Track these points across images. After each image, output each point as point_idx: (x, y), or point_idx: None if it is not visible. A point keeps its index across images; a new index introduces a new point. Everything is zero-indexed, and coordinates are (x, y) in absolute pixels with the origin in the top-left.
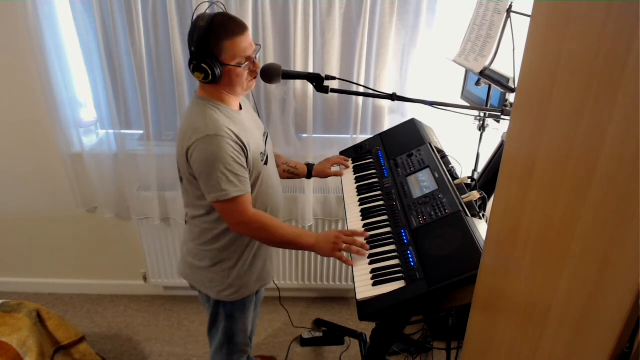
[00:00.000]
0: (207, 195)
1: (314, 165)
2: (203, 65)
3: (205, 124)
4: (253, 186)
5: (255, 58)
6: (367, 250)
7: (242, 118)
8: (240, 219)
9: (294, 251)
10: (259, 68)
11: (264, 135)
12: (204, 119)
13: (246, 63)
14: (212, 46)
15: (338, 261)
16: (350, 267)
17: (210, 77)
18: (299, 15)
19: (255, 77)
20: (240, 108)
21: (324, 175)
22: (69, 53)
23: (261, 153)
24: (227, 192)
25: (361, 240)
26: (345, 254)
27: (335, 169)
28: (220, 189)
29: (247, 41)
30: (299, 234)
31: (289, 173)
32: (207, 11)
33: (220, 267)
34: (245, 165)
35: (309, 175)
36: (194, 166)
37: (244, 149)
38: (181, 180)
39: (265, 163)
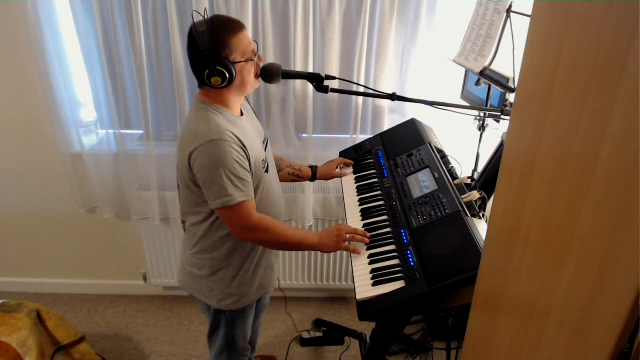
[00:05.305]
0: (212, 202)
1: (317, 167)
2: (219, 68)
3: (208, 128)
4: (254, 194)
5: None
6: (368, 237)
7: (243, 124)
8: (246, 224)
9: (293, 251)
10: (262, 61)
11: (263, 142)
12: (207, 123)
13: (254, 57)
14: (220, 48)
15: (338, 261)
16: (350, 267)
17: (228, 79)
18: (299, 15)
19: (258, 76)
20: (241, 114)
21: (329, 176)
22: (69, 53)
23: (262, 160)
24: (234, 197)
25: (361, 230)
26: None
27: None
28: (226, 194)
29: (249, 36)
30: (303, 235)
31: (293, 176)
32: (195, 19)
33: (221, 275)
34: (249, 169)
35: (313, 178)
36: (198, 172)
37: (247, 153)
38: (178, 187)
39: (267, 171)
